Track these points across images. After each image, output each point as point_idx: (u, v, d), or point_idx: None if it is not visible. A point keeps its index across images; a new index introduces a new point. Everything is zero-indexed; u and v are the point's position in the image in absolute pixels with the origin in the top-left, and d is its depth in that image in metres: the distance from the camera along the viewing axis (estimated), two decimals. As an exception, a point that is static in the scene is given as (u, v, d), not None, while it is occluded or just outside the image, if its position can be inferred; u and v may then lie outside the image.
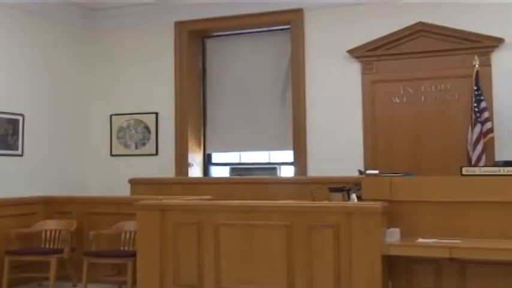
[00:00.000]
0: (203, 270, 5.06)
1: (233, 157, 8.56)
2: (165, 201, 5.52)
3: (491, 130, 6.64)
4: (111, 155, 8.60)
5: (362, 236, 4.56)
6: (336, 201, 5.40)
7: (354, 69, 7.50)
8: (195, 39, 8.52)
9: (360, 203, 4.97)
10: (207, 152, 8.59)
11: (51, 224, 6.87)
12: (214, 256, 5.03)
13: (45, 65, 7.92)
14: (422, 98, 7.20)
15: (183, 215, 5.21)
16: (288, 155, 8.02)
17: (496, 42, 6.90)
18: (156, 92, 8.41)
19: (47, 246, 6.76)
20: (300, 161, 7.73)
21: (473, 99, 6.65)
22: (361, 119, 7.43)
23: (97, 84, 8.67)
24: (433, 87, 7.17)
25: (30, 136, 7.58)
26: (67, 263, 6.59)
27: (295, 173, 7.78)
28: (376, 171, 5.19)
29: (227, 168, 8.44)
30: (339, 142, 7.48)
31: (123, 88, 8.58)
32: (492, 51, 6.95)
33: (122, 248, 6.48)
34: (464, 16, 7.02)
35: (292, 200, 5.77)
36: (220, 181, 7.80)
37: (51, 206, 7.16)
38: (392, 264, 4.70)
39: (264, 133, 8.15)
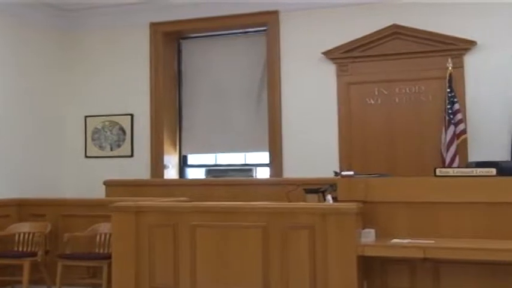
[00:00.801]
0: (179, 272, 5.05)
1: (209, 159, 8.54)
2: (140, 203, 5.49)
3: (464, 131, 6.74)
4: (86, 156, 8.52)
5: (337, 237, 4.58)
6: (312, 203, 5.42)
7: (329, 70, 7.54)
8: (171, 41, 8.50)
9: (335, 204, 5.00)
10: (183, 153, 8.57)
11: (24, 227, 6.80)
12: (190, 258, 5.02)
13: (19, 65, 7.83)
14: (397, 100, 7.27)
15: (159, 217, 5.19)
16: (264, 157, 8.03)
17: (468, 44, 6.99)
18: (132, 93, 8.36)
19: (20, 249, 6.69)
20: (275, 163, 7.74)
21: (447, 100, 6.74)
22: (336, 120, 7.48)
23: (71, 85, 8.59)
24: (407, 88, 7.23)
25: (3, 137, 7.48)
26: (41, 266, 6.53)
27: (271, 175, 7.79)
28: (351, 173, 5.21)
29: (203, 169, 8.42)
30: (314, 143, 7.51)
31: (98, 89, 8.52)
32: (465, 53, 7.04)
33: (96, 251, 6.43)
34: (437, 19, 7.11)
35: (268, 201, 5.77)
36: (196, 183, 7.79)
37: (24, 208, 7.08)
38: (368, 265, 4.73)
39: (240, 135, 8.16)
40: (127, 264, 5.18)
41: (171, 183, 7.79)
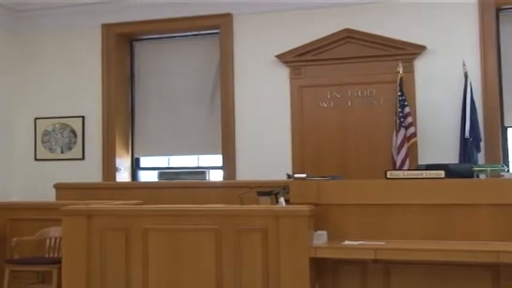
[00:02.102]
0: (131, 276, 4.99)
1: (162, 161, 8.49)
2: (92, 206, 5.41)
3: (414, 134, 6.85)
4: (36, 159, 8.37)
5: (290, 239, 4.60)
6: (264, 205, 5.44)
7: (283, 74, 7.58)
8: (123, 43, 8.41)
9: (287, 206, 5.01)
10: (135, 156, 8.49)
11: (-29, 232, 6.63)
12: (142, 261, 4.96)
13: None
14: (349, 103, 7.35)
15: (111, 220, 5.12)
16: (217, 159, 8.02)
17: (418, 49, 7.13)
18: (83, 95, 8.25)
19: (-34, 254, 6.52)
20: (228, 165, 7.74)
21: (398, 104, 6.85)
22: (289, 123, 7.52)
23: (21, 87, 8.42)
24: (359, 92, 7.33)
25: (-51, 140, 7.29)
26: (-12, 271, 6.37)
27: (224, 177, 7.79)
28: (304, 175, 5.24)
29: (155, 172, 8.35)
30: (267, 146, 7.54)
31: (49, 91, 8.37)
32: (415, 58, 7.18)
33: (46, 255, 6.31)
34: (389, 24, 7.23)
35: (221, 204, 5.76)
36: (148, 185, 7.72)
37: (-30, 212, 6.90)
38: (320, 266, 4.77)
39: (193, 137, 8.13)
40: (77, 269, 5.09)
41: (123, 186, 7.70)
